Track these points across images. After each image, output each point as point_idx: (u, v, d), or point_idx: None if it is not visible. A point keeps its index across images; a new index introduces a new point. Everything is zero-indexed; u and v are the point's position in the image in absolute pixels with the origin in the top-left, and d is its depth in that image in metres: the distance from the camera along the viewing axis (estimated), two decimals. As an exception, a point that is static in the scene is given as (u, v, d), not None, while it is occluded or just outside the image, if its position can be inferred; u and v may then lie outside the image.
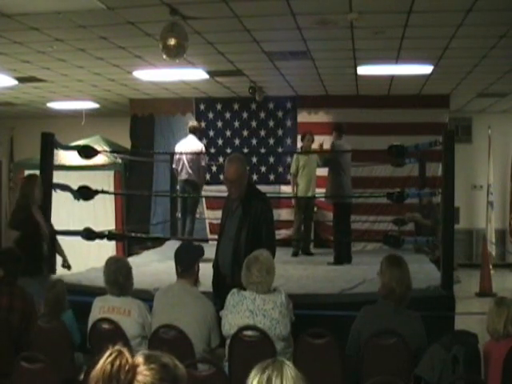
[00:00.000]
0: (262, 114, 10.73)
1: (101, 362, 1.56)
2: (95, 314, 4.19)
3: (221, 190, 9.81)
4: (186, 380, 1.67)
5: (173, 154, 10.23)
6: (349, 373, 3.73)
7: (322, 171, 9.48)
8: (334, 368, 3.69)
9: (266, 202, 4.83)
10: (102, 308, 4.20)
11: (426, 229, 8.91)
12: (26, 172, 11.26)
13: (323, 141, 8.78)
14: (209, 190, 10.09)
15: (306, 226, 9.14)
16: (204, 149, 9.07)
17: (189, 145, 8.80)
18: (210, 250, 4.85)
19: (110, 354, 1.57)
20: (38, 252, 5.70)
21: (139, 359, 1.59)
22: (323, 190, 9.90)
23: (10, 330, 4.35)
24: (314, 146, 9.00)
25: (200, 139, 9.31)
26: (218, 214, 9.62)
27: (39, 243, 5.74)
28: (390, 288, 3.86)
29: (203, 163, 8.89)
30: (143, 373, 1.58)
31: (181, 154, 8.75)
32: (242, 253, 4.37)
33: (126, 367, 1.56)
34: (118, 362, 1.55)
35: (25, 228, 5.64)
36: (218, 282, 4.70)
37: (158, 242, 9.77)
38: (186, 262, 4.24)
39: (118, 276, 4.23)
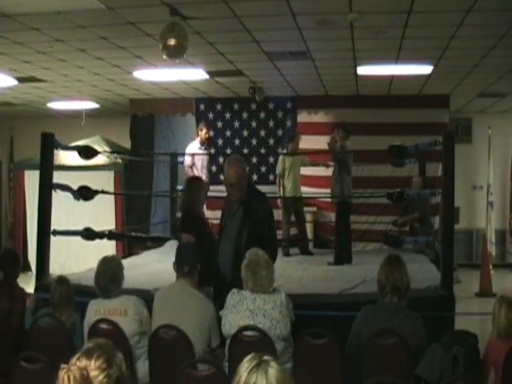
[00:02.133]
0: (262, 115, 10.73)
1: None
2: (91, 317, 4.17)
3: (221, 190, 9.84)
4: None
5: (172, 154, 10.28)
6: (349, 373, 3.73)
7: (319, 171, 9.52)
8: (334, 368, 3.69)
9: (267, 202, 4.83)
10: (97, 311, 4.18)
11: (416, 221, 9.01)
12: (26, 172, 11.36)
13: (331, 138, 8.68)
14: (209, 190, 10.10)
15: (300, 228, 9.11)
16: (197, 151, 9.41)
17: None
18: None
19: (68, 377, 1.72)
20: (212, 259, 5.40)
21: (83, 362, 1.78)
22: (323, 190, 9.97)
23: (10, 330, 4.34)
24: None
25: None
26: (218, 214, 9.68)
27: (213, 249, 5.39)
28: (390, 286, 3.86)
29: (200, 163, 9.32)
30: (95, 367, 1.77)
31: (182, 154, 9.29)
32: (242, 254, 4.37)
33: (85, 374, 1.73)
34: (78, 377, 1.72)
35: (198, 234, 5.28)
36: (218, 282, 4.70)
37: (157, 241, 9.77)
38: (192, 262, 4.26)
39: (100, 279, 4.23)
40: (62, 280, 4.58)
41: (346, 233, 8.42)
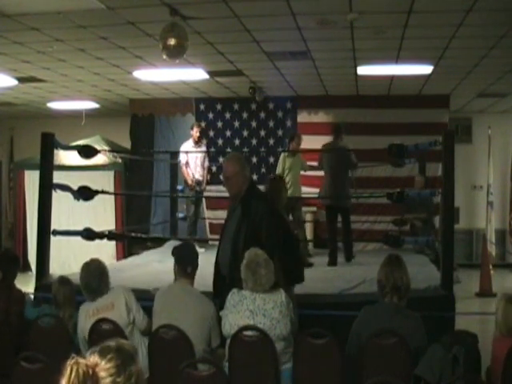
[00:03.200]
0: (262, 114, 10.73)
1: (65, 379, 1.63)
2: (82, 322, 4.21)
3: (221, 190, 9.85)
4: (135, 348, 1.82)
5: (172, 152, 10.27)
6: (349, 373, 3.73)
7: (318, 171, 9.54)
8: (334, 368, 3.69)
9: (266, 201, 4.82)
10: (87, 313, 4.21)
11: (421, 220, 9.00)
12: (26, 172, 11.35)
13: None
14: (209, 190, 10.11)
15: (298, 228, 9.06)
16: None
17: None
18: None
19: (71, 370, 1.64)
20: (296, 260, 5.19)
21: (95, 358, 1.69)
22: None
23: (9, 331, 4.34)
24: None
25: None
26: (218, 213, 9.73)
27: (295, 249, 5.26)
28: (390, 286, 3.86)
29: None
30: (104, 367, 1.69)
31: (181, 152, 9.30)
32: (240, 253, 4.37)
33: (90, 372, 1.65)
34: (80, 373, 1.63)
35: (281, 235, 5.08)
36: (218, 281, 4.70)
37: (157, 242, 9.77)
38: (194, 262, 4.28)
39: (91, 280, 4.26)
40: (65, 281, 4.60)
41: (346, 233, 8.37)
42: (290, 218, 8.94)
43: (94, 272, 4.27)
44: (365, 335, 3.76)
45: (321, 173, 9.71)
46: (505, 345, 3.45)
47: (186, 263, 4.24)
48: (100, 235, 6.50)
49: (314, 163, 9.64)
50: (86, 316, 4.19)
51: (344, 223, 8.32)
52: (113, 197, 10.70)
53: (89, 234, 6.32)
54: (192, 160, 9.31)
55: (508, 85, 9.07)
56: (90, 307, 4.23)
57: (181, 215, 9.73)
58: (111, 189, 10.47)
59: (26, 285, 7.74)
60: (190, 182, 9.29)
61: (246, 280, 3.93)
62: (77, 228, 6.58)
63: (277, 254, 4.36)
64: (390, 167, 9.22)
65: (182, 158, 9.35)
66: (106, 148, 10.14)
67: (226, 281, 4.54)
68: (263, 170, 10.65)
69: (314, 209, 10.27)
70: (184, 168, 9.33)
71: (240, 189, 4.61)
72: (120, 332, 3.89)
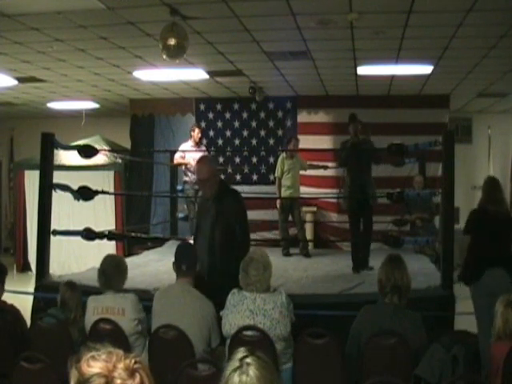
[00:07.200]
0: (262, 114, 10.73)
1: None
2: (89, 315, 4.22)
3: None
4: None
5: (172, 151, 10.29)
6: (349, 373, 3.73)
7: (319, 171, 9.53)
8: (334, 368, 3.69)
9: (239, 199, 4.92)
10: (95, 308, 4.21)
11: (422, 220, 8.99)
12: (26, 172, 11.34)
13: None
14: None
15: (298, 229, 9.04)
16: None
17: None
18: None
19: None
20: None
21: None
22: (323, 190, 9.97)
23: (9, 333, 4.30)
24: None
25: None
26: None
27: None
28: (390, 286, 3.86)
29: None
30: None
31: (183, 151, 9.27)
32: (216, 251, 4.50)
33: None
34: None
35: None
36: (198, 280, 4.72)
37: (158, 241, 9.77)
38: (191, 260, 4.27)
39: (106, 270, 4.29)
40: (74, 286, 4.62)
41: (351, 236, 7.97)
42: (290, 218, 8.98)
43: (111, 265, 4.31)
44: (365, 335, 3.76)
45: (323, 172, 9.73)
46: (504, 348, 3.44)
47: (181, 261, 4.24)
48: (100, 235, 6.50)
49: (315, 162, 9.64)
50: (95, 311, 4.19)
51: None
52: (113, 197, 10.69)
53: (89, 234, 6.32)
54: (192, 161, 9.27)
55: (508, 85, 9.07)
56: (98, 303, 4.23)
57: (181, 215, 9.72)
58: (111, 189, 10.47)
59: (26, 285, 7.77)
60: (185, 163, 9.21)
61: (240, 278, 3.96)
62: (77, 228, 6.58)
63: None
64: (390, 167, 9.22)
65: (179, 155, 9.29)
66: (106, 148, 10.15)
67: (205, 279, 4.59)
68: (263, 170, 10.65)
69: (314, 209, 10.27)
70: (186, 169, 9.25)
71: (215, 189, 4.70)
72: (122, 337, 3.90)
